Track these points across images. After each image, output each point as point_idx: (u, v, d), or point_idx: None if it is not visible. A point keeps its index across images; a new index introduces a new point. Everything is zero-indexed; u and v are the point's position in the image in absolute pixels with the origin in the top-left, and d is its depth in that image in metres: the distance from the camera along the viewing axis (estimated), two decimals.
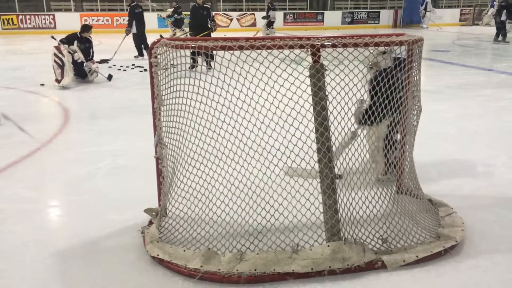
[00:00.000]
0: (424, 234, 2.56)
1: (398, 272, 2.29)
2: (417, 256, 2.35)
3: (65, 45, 7.74)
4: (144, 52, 11.54)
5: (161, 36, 12.83)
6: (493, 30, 15.53)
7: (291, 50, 2.30)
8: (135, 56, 11.49)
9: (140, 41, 11.58)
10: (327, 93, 2.40)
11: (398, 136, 2.93)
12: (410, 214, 2.69)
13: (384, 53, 3.15)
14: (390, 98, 2.84)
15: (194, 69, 2.50)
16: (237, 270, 2.24)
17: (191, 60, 2.53)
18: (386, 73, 2.69)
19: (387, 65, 3.13)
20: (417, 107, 2.84)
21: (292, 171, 3.09)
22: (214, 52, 2.35)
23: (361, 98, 3.18)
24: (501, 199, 3.13)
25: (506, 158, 3.98)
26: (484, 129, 4.97)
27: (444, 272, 2.29)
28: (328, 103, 2.41)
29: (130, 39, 11.48)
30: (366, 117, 3.14)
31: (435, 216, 2.79)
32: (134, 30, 11.42)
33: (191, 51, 2.34)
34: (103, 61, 10.41)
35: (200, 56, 2.35)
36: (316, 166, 2.63)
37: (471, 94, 6.88)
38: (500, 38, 14.26)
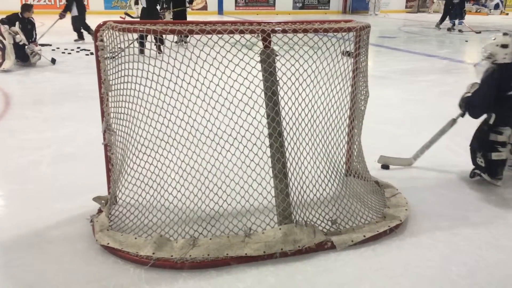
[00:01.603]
0: (371, 215, 2.67)
1: (346, 251, 2.37)
2: (364, 236, 2.45)
3: (5, 26, 7.30)
4: (85, 34, 11.05)
5: (126, 14, 12.28)
6: (438, 17, 16.12)
7: (242, 35, 2.29)
8: (75, 40, 10.97)
9: (81, 24, 11.05)
10: (277, 78, 2.42)
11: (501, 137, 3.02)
12: (358, 196, 2.79)
13: (505, 46, 2.98)
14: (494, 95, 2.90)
15: (143, 54, 2.44)
16: (190, 255, 2.24)
17: (140, 44, 2.45)
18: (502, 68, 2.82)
19: (505, 60, 3.01)
20: (364, 92, 2.92)
21: (384, 159, 3.16)
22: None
23: (474, 82, 3.19)
24: (443, 180, 3.30)
25: (448, 141, 4.17)
26: (427, 113, 5.19)
27: (389, 250, 2.40)
28: (279, 88, 2.43)
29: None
30: (465, 104, 3.21)
31: (381, 197, 2.91)
32: (75, 12, 10.80)
33: (139, 34, 2.28)
34: (44, 45, 9.93)
35: (148, 40, 2.29)
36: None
37: (416, 79, 7.16)
38: (450, 25, 14.83)
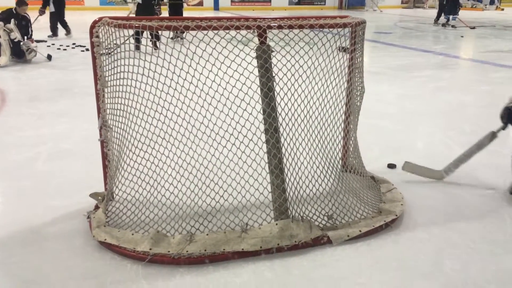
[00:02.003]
0: (367, 210, 2.68)
1: (342, 246, 2.39)
2: (360, 231, 2.46)
3: (0, 22, 7.26)
4: (60, 30, 10.85)
5: None
6: (433, 12, 16.15)
7: (238, 31, 2.30)
8: (48, 36, 10.85)
9: (58, 20, 10.87)
10: (273, 74, 2.42)
11: None
12: (354, 191, 2.81)
13: None
14: None
15: (139, 50, 2.44)
16: (187, 251, 2.25)
17: (135, 40, 2.46)
18: None
19: None
20: (360, 88, 2.93)
21: (411, 167, 3.13)
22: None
23: None
24: None
25: (443, 136, 4.21)
26: (423, 108, 5.21)
27: (384, 244, 2.42)
28: (275, 84, 2.43)
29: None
30: (509, 116, 2.87)
31: (377, 192, 2.92)
32: (52, 8, 10.64)
33: (135, 30, 2.28)
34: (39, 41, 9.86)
35: (144, 36, 2.30)
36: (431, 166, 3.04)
37: (412, 75, 7.18)
38: (444, 20, 14.86)
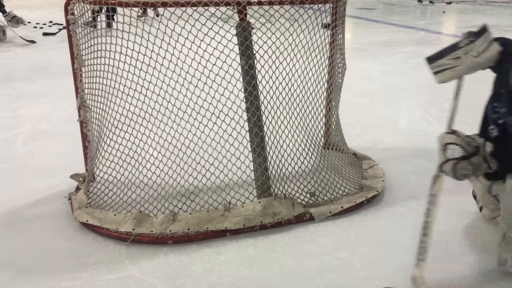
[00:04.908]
0: (348, 186, 2.71)
1: (325, 222, 2.42)
2: (342, 207, 2.49)
3: None
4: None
5: None
6: None
7: (217, 7, 2.26)
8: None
9: None
10: (254, 52, 2.40)
11: None
12: (336, 168, 2.83)
13: None
14: None
15: (111, 27, 2.39)
16: (170, 230, 2.26)
17: (106, 17, 2.38)
18: None
19: None
20: (342, 65, 2.93)
21: None
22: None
23: None
24: (418, 150, 3.36)
25: (424, 112, 4.26)
26: (404, 84, 5.25)
27: (366, 219, 2.46)
28: (255, 61, 2.41)
29: None
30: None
31: (359, 169, 2.95)
32: None
33: (107, 7, 2.22)
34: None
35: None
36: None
37: (394, 51, 7.20)
38: None
